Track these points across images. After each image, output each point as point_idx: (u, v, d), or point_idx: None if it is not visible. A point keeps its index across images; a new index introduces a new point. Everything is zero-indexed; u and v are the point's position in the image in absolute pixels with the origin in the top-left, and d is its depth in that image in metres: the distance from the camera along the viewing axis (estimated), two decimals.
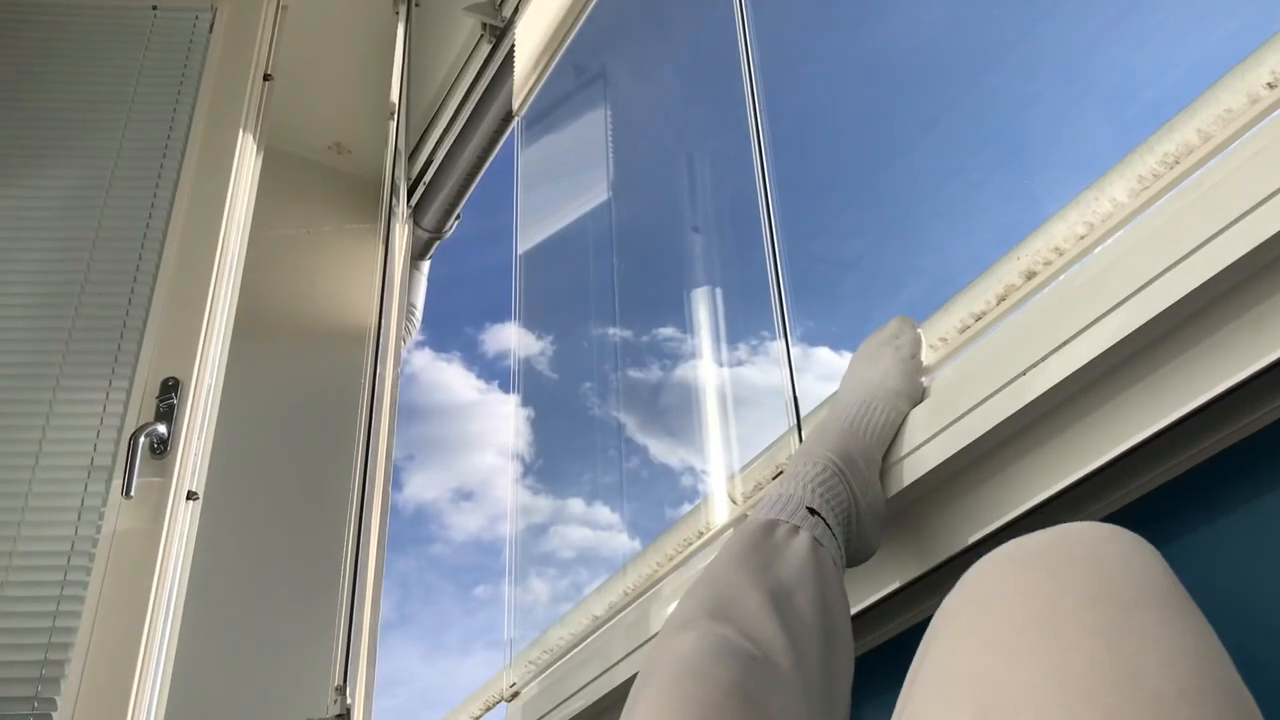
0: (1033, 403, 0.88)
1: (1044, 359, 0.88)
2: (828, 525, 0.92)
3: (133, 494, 1.47)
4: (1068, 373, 0.85)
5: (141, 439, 1.50)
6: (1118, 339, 0.82)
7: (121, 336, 1.63)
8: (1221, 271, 0.75)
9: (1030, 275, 1.06)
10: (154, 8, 1.98)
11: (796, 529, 0.91)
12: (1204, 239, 0.77)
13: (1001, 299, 1.08)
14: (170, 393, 1.57)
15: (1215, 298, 0.78)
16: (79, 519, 1.49)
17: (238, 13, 1.98)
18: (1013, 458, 0.93)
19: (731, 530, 1.42)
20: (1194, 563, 0.80)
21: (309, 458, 2.42)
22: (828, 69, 1.83)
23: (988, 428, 0.92)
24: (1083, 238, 1.01)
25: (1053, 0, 1.38)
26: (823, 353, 1.52)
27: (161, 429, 1.53)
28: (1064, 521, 0.74)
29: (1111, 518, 0.88)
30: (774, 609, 0.82)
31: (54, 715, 1.36)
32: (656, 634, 1.34)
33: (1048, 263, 1.05)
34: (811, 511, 0.93)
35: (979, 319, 1.10)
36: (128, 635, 1.40)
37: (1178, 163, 0.93)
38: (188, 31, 1.95)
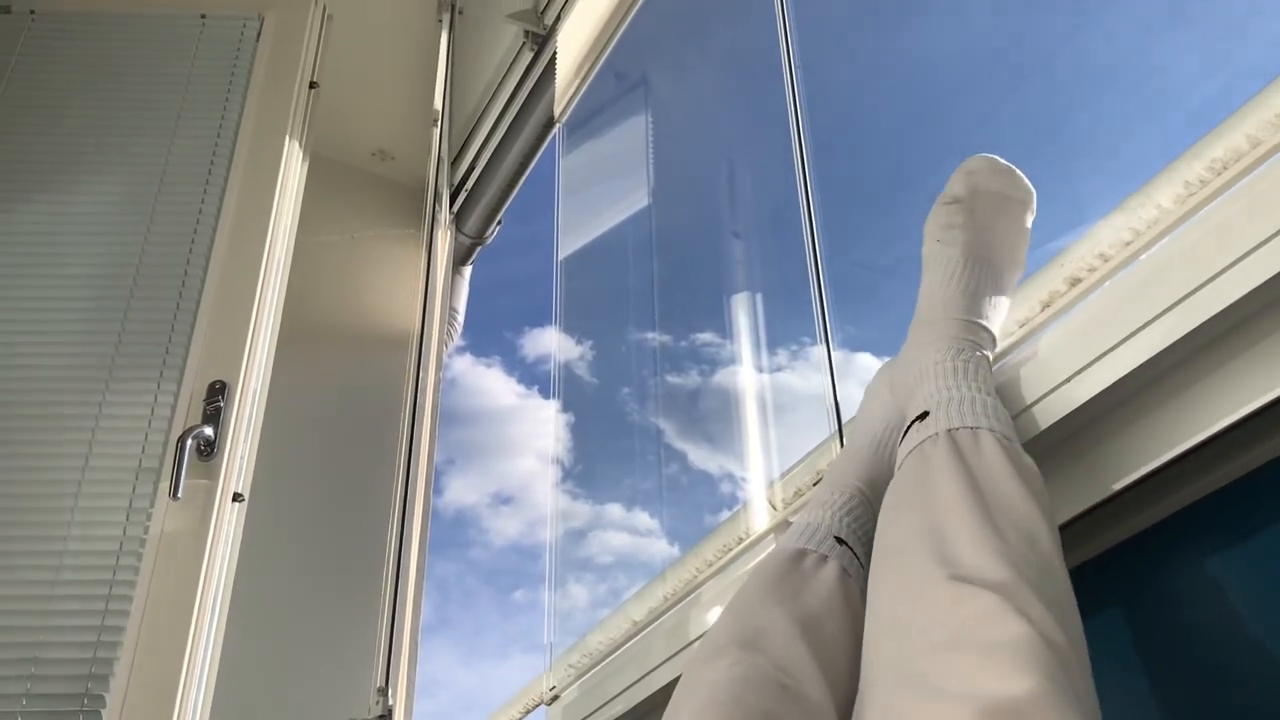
0: (1076, 410, 0.88)
1: (1088, 365, 0.87)
2: (855, 554, 0.93)
3: (180, 496, 1.49)
4: (1113, 380, 0.85)
5: (189, 441, 1.52)
6: (1163, 346, 0.81)
7: (170, 340, 1.66)
8: (1271, 279, 0.75)
9: (1075, 282, 1.05)
10: (202, 16, 2.00)
11: (825, 558, 0.91)
12: (1253, 246, 0.76)
13: (1046, 305, 1.08)
14: (217, 396, 1.59)
15: (1264, 305, 0.77)
16: (127, 520, 1.51)
17: (284, 21, 2.01)
18: (1055, 466, 0.92)
19: (771, 538, 1.42)
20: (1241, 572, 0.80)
21: (352, 461, 2.44)
22: (870, 73, 1.83)
23: (1030, 436, 0.91)
24: (1128, 244, 1.01)
25: (1098, 3, 1.37)
26: (864, 358, 1.51)
27: (208, 432, 1.55)
28: (1115, 522, 0.73)
29: (1143, 534, 0.88)
30: (804, 639, 0.82)
31: (103, 713, 1.38)
32: (693, 641, 1.34)
33: (1092, 269, 1.04)
34: (839, 541, 0.93)
35: (1023, 325, 1.09)
36: (174, 634, 1.42)
37: (1226, 168, 0.92)
38: (235, 40, 1.98)
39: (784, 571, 0.90)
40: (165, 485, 1.51)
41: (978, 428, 0.83)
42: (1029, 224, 1.05)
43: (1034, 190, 1.05)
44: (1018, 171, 1.05)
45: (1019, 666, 0.61)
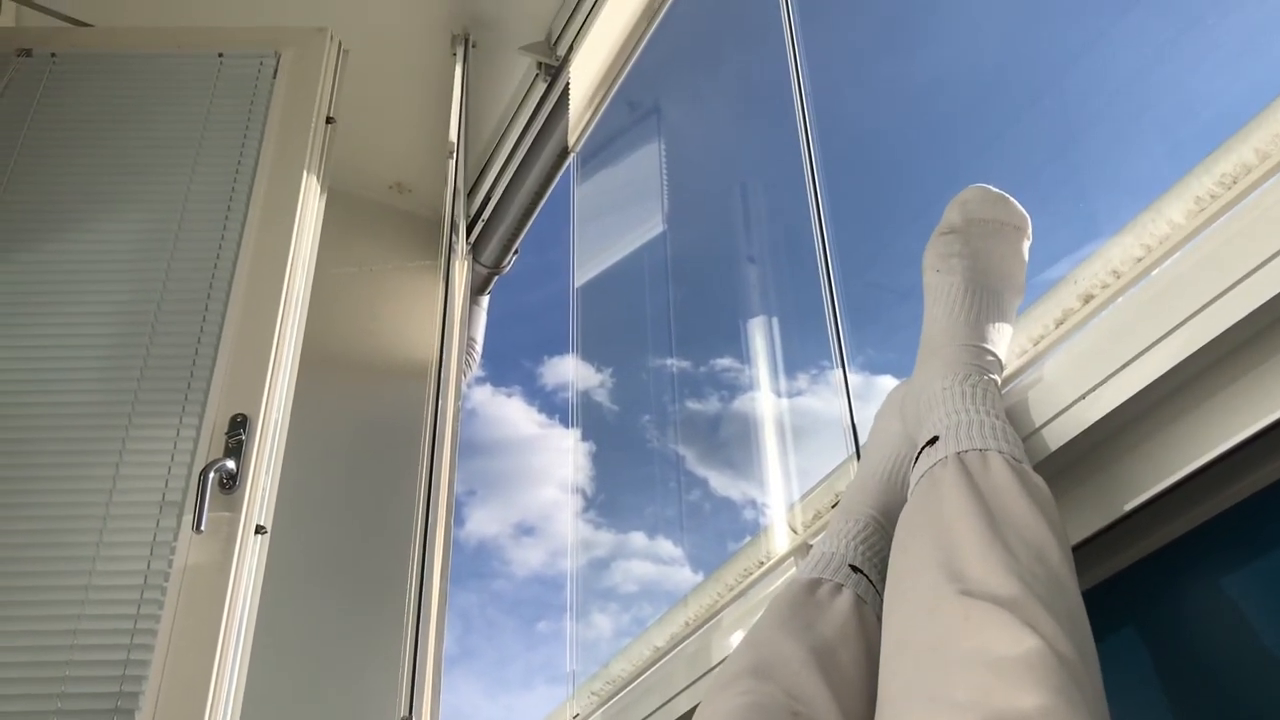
0: (1086, 431, 0.88)
1: (1103, 383, 0.87)
2: (871, 582, 0.93)
3: (203, 529, 1.49)
4: (1127, 396, 0.85)
5: (211, 474, 1.53)
6: (1174, 364, 0.81)
7: (191, 375, 1.67)
8: None
9: (1088, 299, 1.05)
10: (219, 55, 2.03)
11: (839, 587, 0.92)
12: (1264, 259, 0.76)
13: (1060, 323, 1.08)
14: (239, 429, 1.60)
15: (1276, 320, 0.77)
16: (151, 554, 1.52)
17: (300, 58, 2.03)
18: (1067, 488, 0.92)
19: (791, 561, 1.42)
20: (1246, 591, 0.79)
21: (373, 492, 2.45)
22: (881, 96, 1.84)
23: (1041, 458, 0.91)
24: (1140, 260, 1.01)
25: (1108, 23, 1.38)
26: (885, 381, 1.51)
27: (230, 464, 1.56)
28: (1129, 542, 0.73)
29: (1157, 553, 0.87)
30: (816, 666, 0.83)
31: None
32: (714, 666, 1.34)
33: (1105, 286, 1.04)
34: (854, 569, 0.93)
35: (1037, 343, 1.09)
36: (199, 667, 1.43)
37: (1235, 182, 0.93)
38: (252, 77, 2.01)
39: (799, 601, 0.91)
40: (188, 519, 1.52)
41: (986, 449, 0.83)
42: (1026, 250, 1.06)
43: (1029, 216, 1.06)
44: (1011, 199, 1.06)
45: (1028, 681, 0.61)
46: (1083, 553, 0.89)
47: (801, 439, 1.72)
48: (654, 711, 1.44)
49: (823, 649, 0.84)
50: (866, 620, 0.89)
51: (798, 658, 0.83)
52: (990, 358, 0.97)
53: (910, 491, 0.88)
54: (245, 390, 1.65)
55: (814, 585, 0.93)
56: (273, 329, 1.70)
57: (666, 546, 2.09)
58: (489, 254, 2.86)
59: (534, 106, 2.63)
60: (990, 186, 1.07)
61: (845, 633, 0.87)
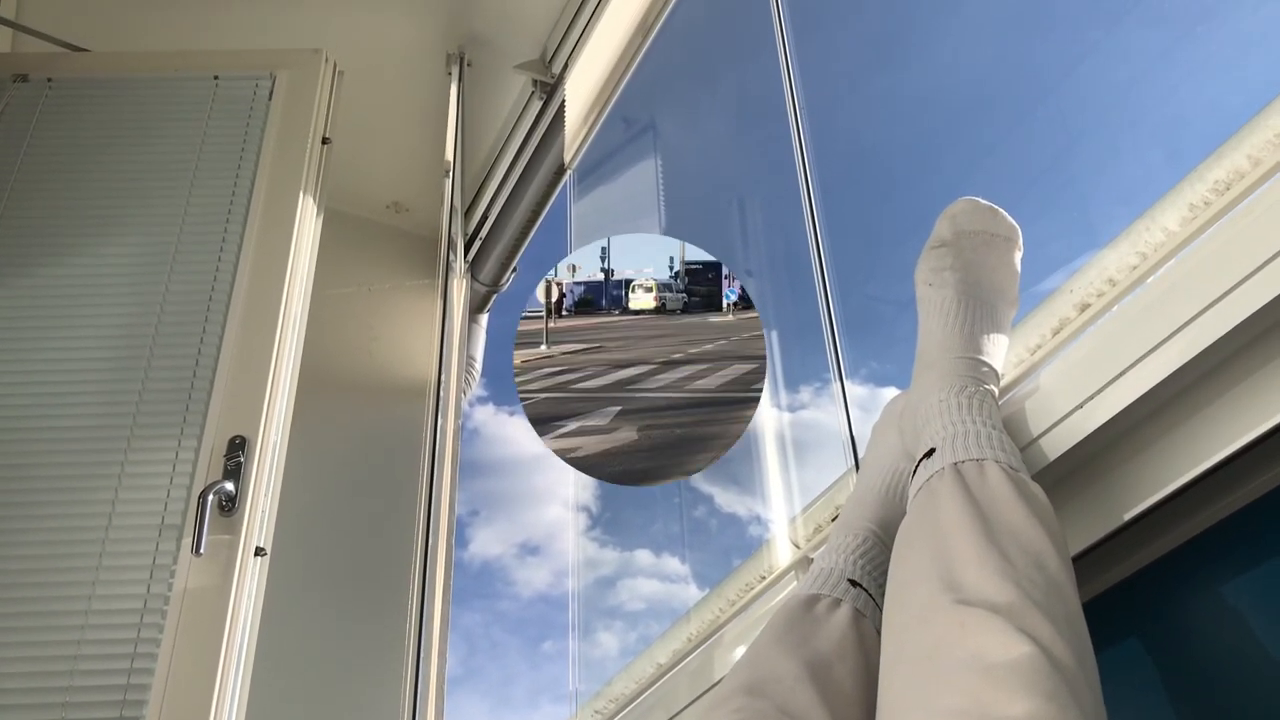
0: (1089, 436, 0.87)
1: (1100, 391, 0.87)
2: (870, 595, 0.92)
3: (202, 551, 1.49)
4: (1125, 404, 0.84)
5: (210, 497, 1.52)
6: (1174, 369, 0.80)
7: (189, 397, 1.67)
8: (1277, 298, 0.74)
9: (1084, 307, 1.05)
10: (215, 77, 2.04)
11: (838, 602, 0.91)
12: (1259, 264, 0.76)
13: (1056, 331, 1.07)
14: (238, 451, 1.59)
15: (1272, 325, 0.77)
16: (151, 577, 1.52)
17: (296, 79, 2.04)
18: (1065, 498, 0.92)
19: (792, 574, 1.42)
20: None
21: (374, 512, 2.45)
22: (875, 111, 1.84)
23: (1039, 468, 0.91)
24: (1135, 268, 1.01)
25: (1100, 35, 1.38)
26: (891, 392, 1.51)
27: (230, 487, 1.55)
28: (1129, 552, 0.73)
29: (1159, 562, 0.87)
30: (811, 681, 0.82)
31: None
32: (718, 681, 1.33)
33: (1101, 294, 1.04)
34: (853, 583, 0.93)
35: (1034, 352, 1.09)
36: (200, 691, 1.42)
37: (1229, 188, 0.92)
38: (248, 99, 2.01)
39: (795, 617, 0.91)
40: (188, 541, 1.52)
41: (983, 459, 0.83)
42: (1017, 261, 1.05)
43: (1019, 227, 1.06)
44: (1001, 210, 1.06)
45: (1018, 687, 0.61)
46: (1083, 563, 0.88)
47: (804, 452, 1.72)
48: None
49: (818, 664, 0.84)
50: (865, 634, 0.88)
51: (791, 674, 0.83)
52: (986, 369, 0.97)
53: (909, 504, 0.88)
54: (244, 412, 1.64)
55: (812, 601, 0.92)
56: (271, 350, 1.70)
57: (672, 564, 2.08)
58: (487, 272, 2.86)
59: (530, 124, 2.63)
60: (979, 199, 1.07)
61: (843, 647, 0.86)
